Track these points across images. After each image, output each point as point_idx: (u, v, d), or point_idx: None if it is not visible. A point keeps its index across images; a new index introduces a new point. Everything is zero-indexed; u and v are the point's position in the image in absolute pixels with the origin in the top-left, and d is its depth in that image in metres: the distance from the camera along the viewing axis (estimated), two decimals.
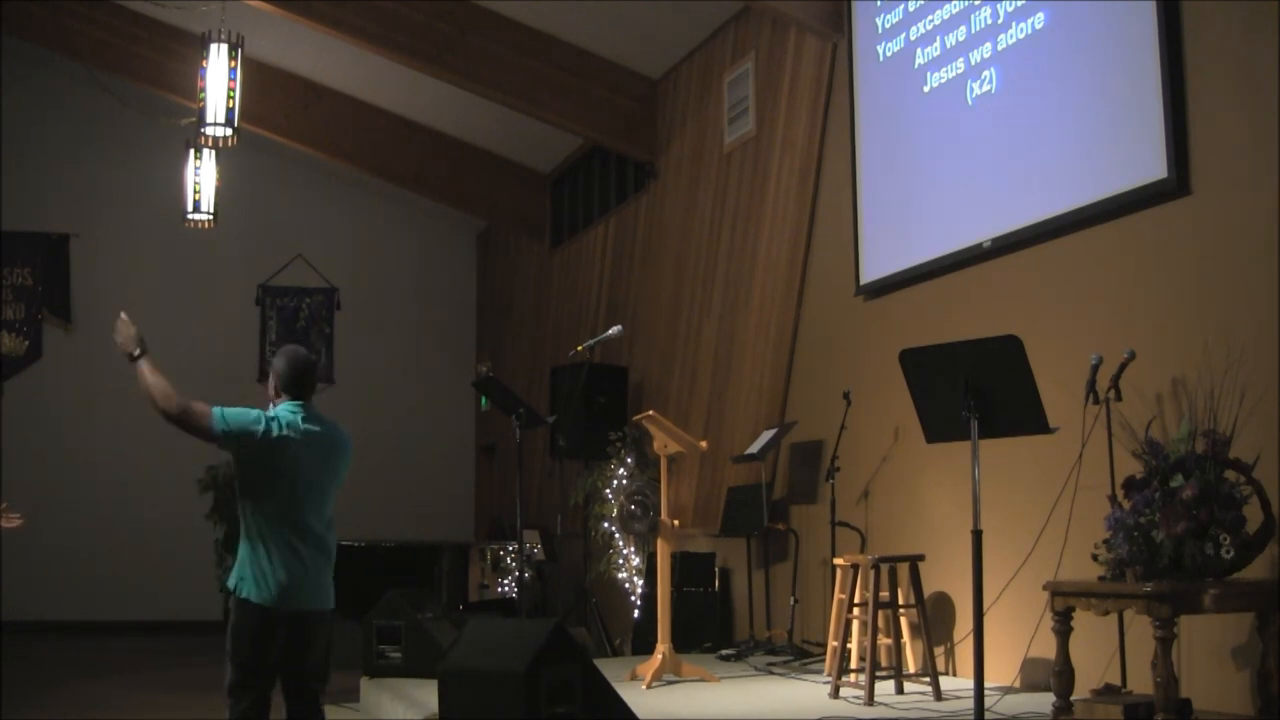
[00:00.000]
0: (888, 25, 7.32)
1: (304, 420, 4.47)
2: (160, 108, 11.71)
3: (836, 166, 7.80)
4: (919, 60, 7.00)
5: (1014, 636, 5.69)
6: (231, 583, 4.40)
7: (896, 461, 6.99)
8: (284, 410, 4.48)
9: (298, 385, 4.57)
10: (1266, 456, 4.50)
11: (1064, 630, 4.56)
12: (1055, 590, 4.59)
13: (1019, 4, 6.21)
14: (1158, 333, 5.25)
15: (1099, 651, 5.03)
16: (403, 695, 6.21)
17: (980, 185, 6.46)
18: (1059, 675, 4.55)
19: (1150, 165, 5.33)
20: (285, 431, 4.41)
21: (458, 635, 5.23)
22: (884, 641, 5.96)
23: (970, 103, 6.57)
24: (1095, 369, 5.06)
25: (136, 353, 4.33)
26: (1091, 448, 4.99)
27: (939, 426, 4.49)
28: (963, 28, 6.64)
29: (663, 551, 6.51)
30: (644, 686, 6.16)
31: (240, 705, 4.36)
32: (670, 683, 6.31)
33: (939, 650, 6.41)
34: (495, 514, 12.29)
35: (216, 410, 4.34)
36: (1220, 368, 4.66)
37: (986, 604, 4.48)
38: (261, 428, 4.38)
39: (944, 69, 6.79)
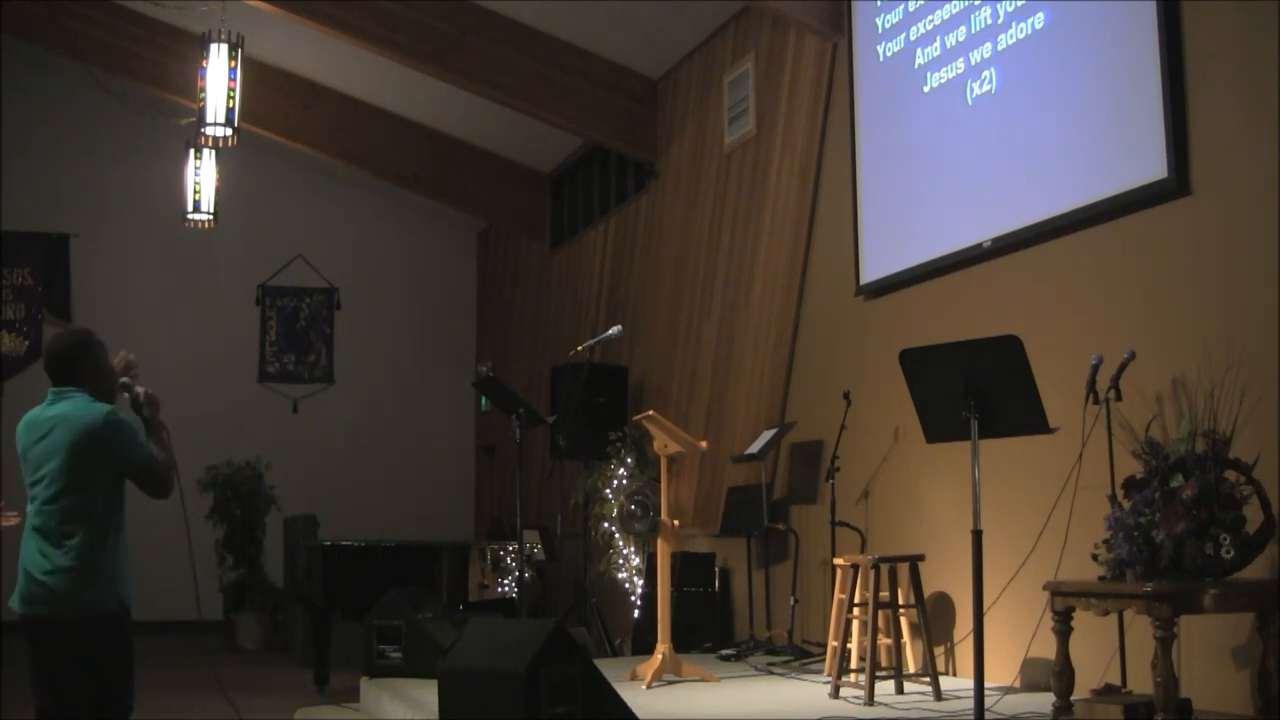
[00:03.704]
0: (888, 25, 7.32)
1: None
2: (160, 108, 11.71)
3: (836, 166, 7.79)
4: (919, 60, 7.00)
5: (1014, 636, 5.69)
6: (117, 600, 3.99)
7: (896, 461, 6.99)
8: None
9: None
10: (1266, 456, 4.50)
11: (1064, 630, 4.56)
12: (1055, 590, 4.59)
13: (1019, 4, 6.20)
14: (1158, 333, 5.25)
15: (1099, 651, 5.03)
16: (403, 695, 6.20)
17: (980, 185, 6.46)
18: (1059, 675, 4.56)
19: (1150, 165, 5.33)
20: None
21: (458, 635, 5.23)
22: (884, 641, 5.96)
23: (970, 103, 6.56)
24: (1095, 369, 5.06)
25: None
26: (1091, 448, 4.99)
27: (939, 426, 4.50)
28: (963, 28, 6.64)
29: (663, 551, 6.51)
30: (644, 686, 6.16)
31: None
32: (670, 683, 6.31)
33: (939, 650, 6.41)
34: (495, 514, 12.27)
35: (145, 453, 4.02)
36: (1220, 368, 4.66)
37: (986, 604, 4.48)
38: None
39: (944, 69, 6.78)
